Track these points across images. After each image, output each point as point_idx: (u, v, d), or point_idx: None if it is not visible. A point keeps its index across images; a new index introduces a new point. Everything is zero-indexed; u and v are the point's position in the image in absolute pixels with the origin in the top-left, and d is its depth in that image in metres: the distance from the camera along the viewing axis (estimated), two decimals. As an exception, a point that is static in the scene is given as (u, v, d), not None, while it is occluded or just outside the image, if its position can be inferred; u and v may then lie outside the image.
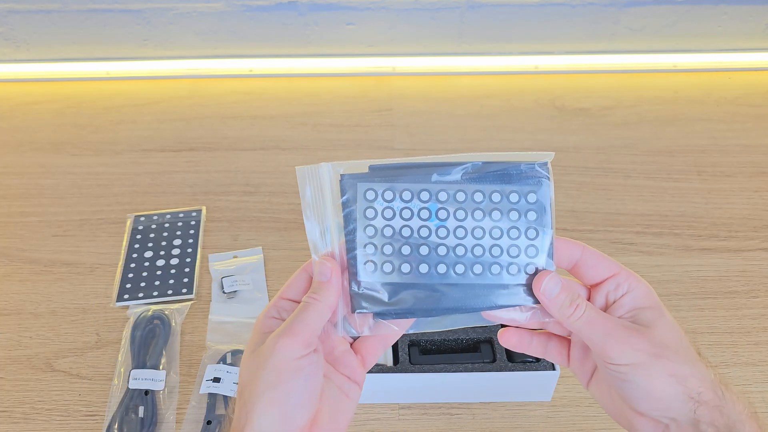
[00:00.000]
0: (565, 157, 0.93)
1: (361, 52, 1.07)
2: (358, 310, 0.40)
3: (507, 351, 0.65)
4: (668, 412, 0.39)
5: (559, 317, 0.40)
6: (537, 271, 0.40)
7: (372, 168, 0.40)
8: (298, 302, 0.41)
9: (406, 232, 0.40)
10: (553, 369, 0.63)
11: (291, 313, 0.40)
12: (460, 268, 0.40)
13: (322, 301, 0.39)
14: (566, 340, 0.45)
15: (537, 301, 0.40)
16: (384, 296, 0.40)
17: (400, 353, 0.65)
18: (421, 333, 0.67)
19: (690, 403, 0.38)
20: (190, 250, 0.81)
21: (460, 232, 0.40)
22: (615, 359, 0.39)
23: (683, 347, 0.39)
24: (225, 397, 0.66)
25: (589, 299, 0.42)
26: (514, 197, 0.40)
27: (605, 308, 0.41)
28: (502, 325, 0.45)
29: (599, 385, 0.43)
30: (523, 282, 0.40)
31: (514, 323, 0.42)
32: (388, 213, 0.40)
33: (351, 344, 0.44)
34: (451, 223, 0.40)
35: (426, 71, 1.08)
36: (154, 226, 0.83)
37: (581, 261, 0.42)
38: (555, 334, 0.46)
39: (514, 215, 0.40)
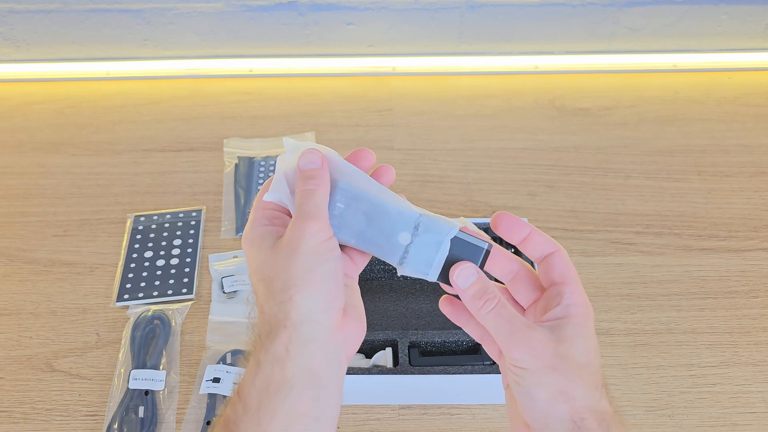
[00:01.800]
0: (565, 157, 0.93)
1: (361, 52, 1.07)
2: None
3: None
4: (547, 428, 0.38)
5: (470, 308, 0.40)
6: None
7: None
8: (284, 209, 0.41)
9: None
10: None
11: (281, 218, 0.40)
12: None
13: (322, 185, 0.39)
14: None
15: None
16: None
17: (400, 355, 0.65)
18: (421, 334, 0.67)
19: (570, 424, 0.37)
20: (190, 250, 0.81)
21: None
22: (514, 359, 0.38)
23: (588, 372, 0.38)
24: (225, 397, 0.66)
25: (535, 303, 0.42)
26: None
27: (543, 312, 0.41)
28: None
29: (509, 391, 0.42)
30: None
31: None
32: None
33: None
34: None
35: (426, 71, 1.08)
36: (154, 226, 0.83)
37: (551, 258, 0.41)
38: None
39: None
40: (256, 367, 0.37)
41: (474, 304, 0.40)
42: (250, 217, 0.41)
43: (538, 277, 0.42)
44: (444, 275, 0.41)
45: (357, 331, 0.40)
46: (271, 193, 0.41)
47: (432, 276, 0.41)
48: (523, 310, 0.43)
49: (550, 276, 0.41)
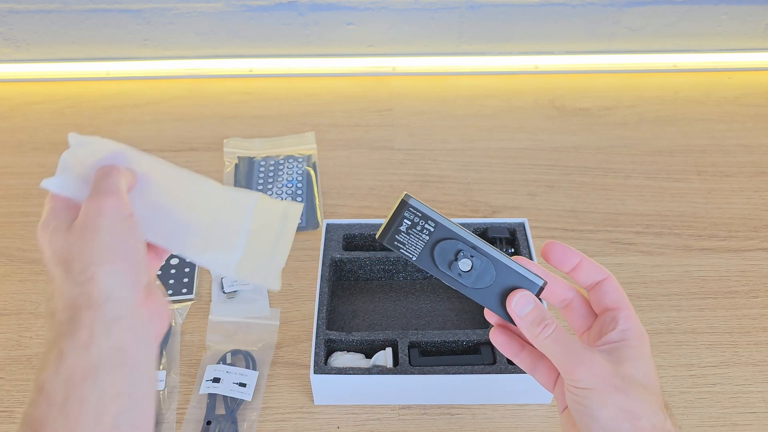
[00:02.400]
0: (565, 157, 0.93)
1: (361, 52, 1.07)
2: None
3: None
4: None
5: (528, 335, 0.41)
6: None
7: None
8: (73, 201, 0.40)
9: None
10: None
11: (75, 208, 0.39)
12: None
13: (121, 170, 0.40)
14: (554, 367, 0.44)
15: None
16: None
17: (400, 355, 0.65)
18: (421, 334, 0.67)
19: None
20: (190, 250, 0.81)
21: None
22: (576, 380, 0.39)
23: (650, 393, 0.39)
24: (225, 397, 0.66)
25: (588, 330, 0.43)
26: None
27: (597, 337, 0.42)
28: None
29: (567, 416, 0.43)
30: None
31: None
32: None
33: None
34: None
35: (426, 71, 1.08)
36: (154, 226, 0.83)
37: (602, 284, 0.43)
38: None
39: None
40: (59, 358, 0.35)
41: (532, 331, 0.40)
42: (44, 208, 0.40)
43: (590, 304, 0.43)
44: (498, 303, 0.42)
45: (162, 309, 0.40)
46: (56, 181, 0.41)
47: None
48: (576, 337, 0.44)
49: (603, 302, 0.42)
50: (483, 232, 0.77)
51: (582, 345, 0.40)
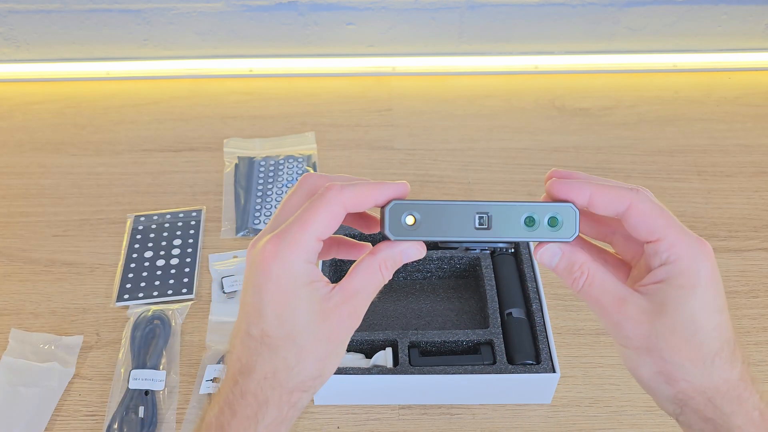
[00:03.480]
0: (565, 157, 0.93)
1: (361, 52, 1.07)
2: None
3: (507, 353, 0.65)
4: (658, 400, 0.37)
5: (567, 283, 0.37)
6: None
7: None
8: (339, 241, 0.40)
9: None
10: (554, 371, 0.63)
11: (317, 253, 0.37)
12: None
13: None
14: (626, 266, 0.40)
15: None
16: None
17: (400, 355, 0.65)
18: (421, 334, 0.67)
19: (674, 405, 0.35)
20: (190, 250, 0.81)
21: None
22: (615, 333, 0.36)
23: (696, 344, 0.34)
24: (225, 397, 0.66)
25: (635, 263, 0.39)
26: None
27: (644, 274, 0.36)
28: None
29: None
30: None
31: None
32: None
33: None
34: None
35: (426, 71, 1.08)
36: (154, 226, 0.83)
37: (629, 214, 0.35)
38: (612, 256, 0.41)
39: None
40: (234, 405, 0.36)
41: (567, 282, 0.37)
42: (291, 234, 0.35)
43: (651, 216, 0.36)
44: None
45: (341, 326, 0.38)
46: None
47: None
48: (629, 267, 0.39)
49: (640, 234, 0.35)
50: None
51: (615, 296, 0.35)
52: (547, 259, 0.37)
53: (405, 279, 0.76)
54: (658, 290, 0.34)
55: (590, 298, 0.36)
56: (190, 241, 0.82)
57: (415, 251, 0.38)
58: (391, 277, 0.38)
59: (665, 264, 0.34)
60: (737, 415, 0.34)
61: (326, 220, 0.36)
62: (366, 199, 0.37)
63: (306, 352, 0.35)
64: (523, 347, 0.65)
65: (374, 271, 0.37)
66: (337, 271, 0.75)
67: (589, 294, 0.36)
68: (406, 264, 0.75)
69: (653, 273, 0.35)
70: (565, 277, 0.37)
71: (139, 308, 0.74)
